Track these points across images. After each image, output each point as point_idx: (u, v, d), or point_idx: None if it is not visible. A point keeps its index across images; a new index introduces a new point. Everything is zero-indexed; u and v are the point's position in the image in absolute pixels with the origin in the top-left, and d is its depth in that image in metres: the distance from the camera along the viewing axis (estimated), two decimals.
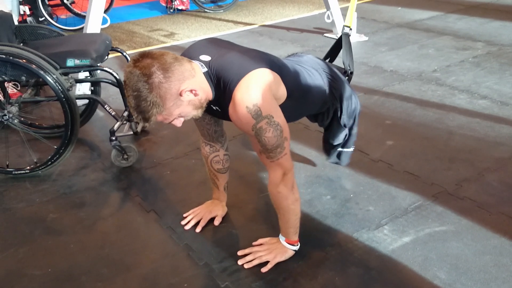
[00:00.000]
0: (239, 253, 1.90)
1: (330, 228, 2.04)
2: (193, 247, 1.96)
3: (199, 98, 1.57)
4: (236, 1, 6.06)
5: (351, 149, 2.30)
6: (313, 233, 2.00)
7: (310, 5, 5.98)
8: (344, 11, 4.68)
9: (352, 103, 2.09)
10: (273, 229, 1.99)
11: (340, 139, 2.20)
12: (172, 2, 5.92)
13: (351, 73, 2.22)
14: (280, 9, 5.92)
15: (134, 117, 1.54)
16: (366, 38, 4.48)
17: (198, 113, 1.61)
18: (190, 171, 2.53)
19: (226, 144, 2.08)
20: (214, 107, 1.71)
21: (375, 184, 2.32)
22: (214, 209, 2.15)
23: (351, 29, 2.27)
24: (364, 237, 1.97)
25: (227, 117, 1.66)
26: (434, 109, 3.05)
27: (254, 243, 1.93)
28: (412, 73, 3.65)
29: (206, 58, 1.65)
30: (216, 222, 2.11)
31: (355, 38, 4.53)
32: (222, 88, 1.60)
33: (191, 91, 1.54)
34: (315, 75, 1.94)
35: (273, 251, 1.87)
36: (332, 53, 2.41)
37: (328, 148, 2.29)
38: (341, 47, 2.37)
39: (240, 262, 1.86)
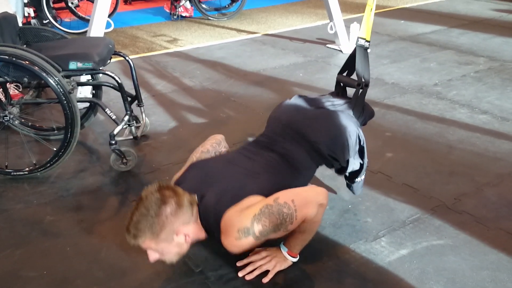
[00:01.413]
0: (238, 263, 1.88)
1: (327, 238, 2.03)
2: (189, 254, 1.95)
3: (187, 243, 1.71)
4: (239, 10, 6.08)
5: (363, 177, 2.20)
6: (311, 243, 1.98)
7: (313, 16, 6.01)
8: (347, 23, 4.70)
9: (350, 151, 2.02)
10: (272, 240, 1.97)
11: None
12: (176, 8, 5.94)
13: (366, 85, 2.14)
14: (284, 19, 5.94)
15: (126, 230, 1.63)
16: (369, 50, 4.48)
17: (174, 260, 1.71)
18: None
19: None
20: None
21: (374, 196, 2.32)
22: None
23: (368, 41, 2.19)
24: (361, 248, 1.96)
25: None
26: (435, 122, 3.05)
27: (251, 253, 1.91)
28: (414, 86, 3.66)
29: (198, 192, 1.76)
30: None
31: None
32: (209, 225, 1.72)
33: (185, 236, 1.68)
34: (298, 168, 1.95)
35: (272, 259, 1.86)
36: (349, 66, 2.33)
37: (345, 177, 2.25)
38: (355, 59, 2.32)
39: (240, 274, 1.84)
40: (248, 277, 1.83)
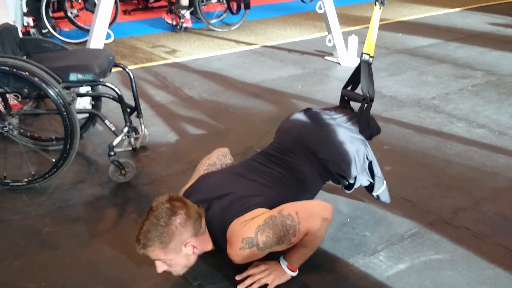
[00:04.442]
0: (237, 277, 1.88)
1: (326, 252, 2.04)
2: None
3: (195, 255, 1.74)
4: (242, 20, 6.10)
5: (383, 188, 2.22)
6: (309, 257, 1.99)
7: (312, 28, 6.04)
8: (345, 35, 4.73)
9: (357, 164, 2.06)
10: (270, 253, 1.98)
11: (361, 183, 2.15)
12: (180, 19, 5.91)
13: (371, 100, 2.17)
14: (282, 31, 5.97)
15: (136, 240, 1.65)
16: (371, 61, 4.51)
17: (181, 272, 1.75)
18: None
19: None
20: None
21: (372, 209, 2.32)
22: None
23: (372, 57, 2.23)
24: (359, 262, 1.97)
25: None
26: (432, 136, 3.07)
27: (251, 266, 1.90)
28: (411, 100, 3.68)
29: (203, 205, 1.80)
30: None
31: (355, 62, 4.56)
32: (216, 237, 1.78)
33: (193, 247, 1.70)
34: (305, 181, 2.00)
35: (271, 273, 1.85)
36: (353, 81, 2.35)
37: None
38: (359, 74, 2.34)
39: None
40: None
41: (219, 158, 2.16)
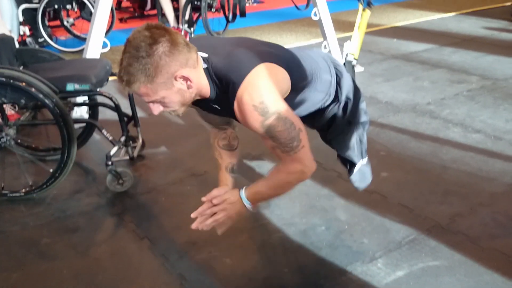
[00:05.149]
0: (193, 215, 1.72)
1: (324, 260, 2.04)
2: (186, 277, 1.96)
3: (190, 91, 1.53)
4: (226, 29, 6.08)
5: (364, 162, 2.10)
6: (307, 265, 2.01)
7: (307, 34, 6.06)
8: (340, 41, 4.75)
9: (358, 100, 1.96)
10: (268, 261, 1.99)
11: (350, 148, 2.01)
12: (189, 34, 5.69)
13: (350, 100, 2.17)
14: (278, 37, 5.99)
15: (118, 78, 1.46)
16: (362, 69, 4.54)
17: (180, 111, 1.58)
18: (185, 198, 2.53)
19: (234, 124, 2.03)
20: (213, 105, 1.67)
21: (370, 216, 2.33)
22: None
23: (356, 59, 2.21)
24: (358, 270, 1.97)
25: (228, 115, 1.65)
26: (428, 141, 3.08)
27: (204, 198, 1.72)
28: (407, 105, 3.69)
29: (203, 54, 1.59)
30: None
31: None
32: (225, 87, 1.56)
33: (186, 80, 1.50)
34: (321, 64, 1.86)
35: (228, 210, 1.70)
36: None
37: (345, 163, 2.10)
38: None
39: (193, 226, 1.70)
40: (201, 227, 1.70)
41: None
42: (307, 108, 1.87)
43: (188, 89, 1.52)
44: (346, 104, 1.94)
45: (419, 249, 2.09)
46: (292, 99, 1.71)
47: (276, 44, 1.83)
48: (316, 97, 1.86)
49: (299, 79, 1.73)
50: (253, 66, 1.53)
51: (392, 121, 3.40)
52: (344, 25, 6.38)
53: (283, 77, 1.64)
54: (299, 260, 1.99)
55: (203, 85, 1.57)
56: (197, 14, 5.85)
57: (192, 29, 5.65)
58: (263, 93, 1.52)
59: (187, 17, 5.55)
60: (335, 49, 4.62)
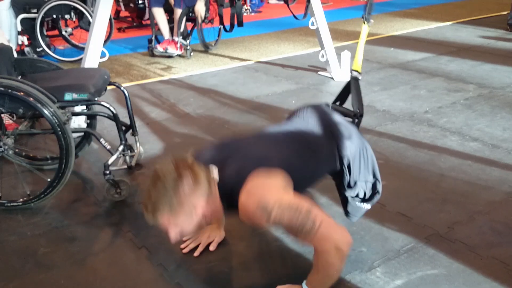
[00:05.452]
0: None
1: None
2: (184, 286, 1.95)
3: (206, 220, 1.70)
4: (219, 40, 6.06)
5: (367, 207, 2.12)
6: (306, 274, 1.99)
7: (305, 43, 6.09)
8: (338, 51, 4.77)
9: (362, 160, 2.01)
10: (267, 270, 1.98)
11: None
12: (185, 47, 5.57)
13: (361, 115, 2.22)
14: (276, 46, 6.02)
15: (143, 206, 1.64)
16: (360, 77, 4.55)
17: (194, 234, 1.76)
18: None
19: None
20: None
21: (368, 225, 2.33)
22: (212, 234, 2.19)
23: (360, 73, 2.33)
24: (356, 279, 1.97)
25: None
26: (426, 150, 3.09)
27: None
28: (404, 114, 3.70)
29: (215, 172, 1.73)
30: (212, 248, 2.14)
31: (348, 77, 4.59)
32: (230, 197, 1.69)
33: (203, 211, 1.67)
34: (321, 141, 1.94)
35: None
36: (342, 96, 2.41)
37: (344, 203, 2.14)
38: (349, 91, 2.38)
39: None
40: None
41: None
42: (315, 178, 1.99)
43: (205, 219, 1.70)
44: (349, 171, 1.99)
45: (418, 257, 2.08)
46: (298, 188, 1.78)
47: (281, 136, 1.94)
48: (322, 172, 2.00)
49: (299, 177, 1.79)
50: (250, 175, 1.65)
51: (390, 130, 3.41)
52: (341, 35, 6.41)
53: (282, 178, 1.69)
54: (297, 269, 1.98)
55: (218, 211, 1.74)
56: (191, 25, 5.84)
57: (187, 41, 5.63)
58: (259, 194, 1.61)
59: (182, 29, 5.51)
60: (332, 58, 4.64)
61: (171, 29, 5.62)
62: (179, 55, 5.59)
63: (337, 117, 2.07)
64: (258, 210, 1.58)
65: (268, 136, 1.94)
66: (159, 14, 5.54)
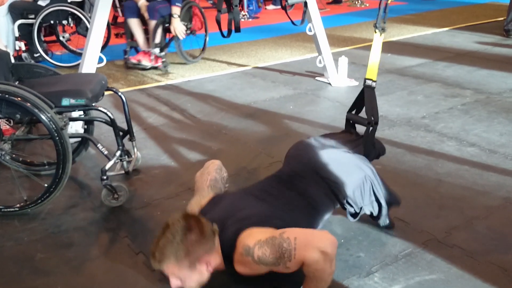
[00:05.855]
0: None
1: None
2: None
3: (208, 273, 1.78)
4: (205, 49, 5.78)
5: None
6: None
7: (302, 49, 6.10)
8: (335, 56, 4.78)
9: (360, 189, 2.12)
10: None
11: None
12: (161, 60, 5.25)
13: (376, 123, 2.25)
14: (273, 52, 6.03)
15: (151, 254, 1.72)
16: (357, 83, 4.57)
17: (195, 286, 1.78)
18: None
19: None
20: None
21: (366, 230, 2.33)
22: None
23: (375, 81, 2.34)
24: (354, 284, 1.96)
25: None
26: (423, 155, 3.09)
27: None
28: (402, 119, 3.71)
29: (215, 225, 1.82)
30: None
31: (346, 82, 4.61)
32: (228, 252, 1.79)
33: (207, 264, 1.76)
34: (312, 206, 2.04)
35: None
36: (357, 105, 2.44)
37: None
38: (363, 99, 2.40)
39: None
40: None
41: (217, 171, 2.21)
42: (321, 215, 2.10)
43: (206, 270, 1.77)
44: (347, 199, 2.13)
45: (416, 262, 2.08)
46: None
47: (276, 187, 2.07)
48: (320, 216, 2.10)
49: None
50: (240, 232, 1.76)
51: (387, 135, 3.41)
52: (338, 40, 6.43)
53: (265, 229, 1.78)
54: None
55: (219, 263, 1.81)
56: (171, 35, 5.27)
57: (163, 53, 5.23)
58: (243, 243, 1.72)
59: (157, 40, 5.15)
60: (330, 63, 4.65)
61: (148, 40, 5.30)
62: (153, 67, 5.27)
63: (327, 155, 2.14)
64: (243, 256, 1.70)
65: (264, 196, 2.02)
66: (134, 25, 5.23)
